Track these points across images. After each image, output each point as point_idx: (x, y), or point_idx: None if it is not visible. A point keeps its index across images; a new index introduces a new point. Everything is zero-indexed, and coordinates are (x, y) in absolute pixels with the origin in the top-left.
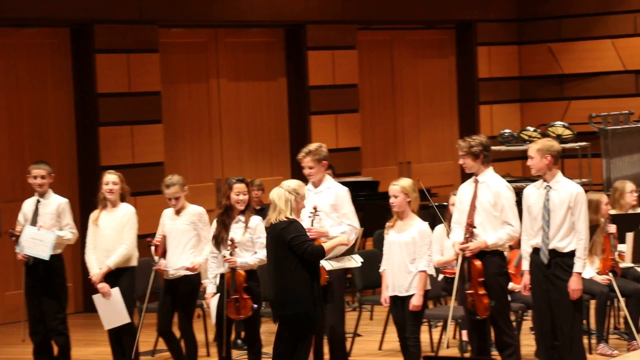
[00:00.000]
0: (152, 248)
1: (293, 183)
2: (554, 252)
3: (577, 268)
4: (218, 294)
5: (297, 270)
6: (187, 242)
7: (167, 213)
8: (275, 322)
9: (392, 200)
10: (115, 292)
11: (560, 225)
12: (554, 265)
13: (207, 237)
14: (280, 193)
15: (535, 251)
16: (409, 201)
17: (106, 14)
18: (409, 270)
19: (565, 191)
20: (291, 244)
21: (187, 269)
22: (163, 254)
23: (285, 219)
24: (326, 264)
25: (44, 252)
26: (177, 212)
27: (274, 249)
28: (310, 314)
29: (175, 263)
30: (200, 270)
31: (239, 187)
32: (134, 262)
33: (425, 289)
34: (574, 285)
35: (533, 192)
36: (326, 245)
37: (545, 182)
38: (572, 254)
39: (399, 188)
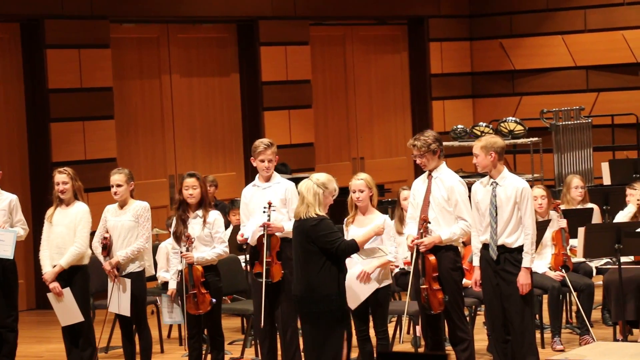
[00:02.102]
0: (99, 248)
1: (323, 177)
2: (502, 248)
3: (525, 263)
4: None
5: (325, 266)
6: (133, 238)
7: (110, 209)
8: (302, 318)
9: (357, 195)
10: (67, 292)
11: (507, 221)
12: (503, 261)
13: (142, 233)
14: (309, 186)
15: (485, 247)
16: (371, 195)
17: (57, 9)
18: None
19: (511, 187)
20: (322, 242)
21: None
22: (108, 253)
23: (316, 216)
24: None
25: (6, 252)
26: (121, 207)
27: (301, 244)
28: (340, 310)
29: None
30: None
31: (188, 181)
32: (87, 261)
33: (385, 274)
34: (522, 280)
35: (480, 189)
36: (359, 239)
37: (491, 178)
38: (520, 249)
39: (363, 182)
